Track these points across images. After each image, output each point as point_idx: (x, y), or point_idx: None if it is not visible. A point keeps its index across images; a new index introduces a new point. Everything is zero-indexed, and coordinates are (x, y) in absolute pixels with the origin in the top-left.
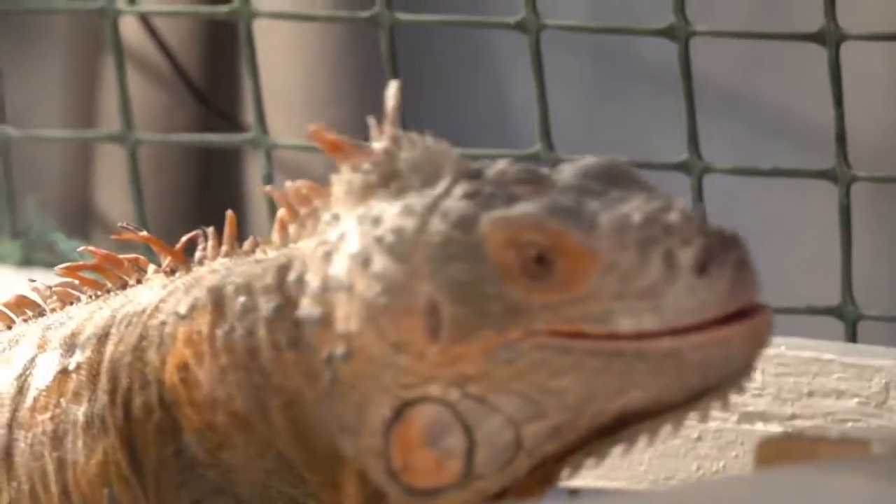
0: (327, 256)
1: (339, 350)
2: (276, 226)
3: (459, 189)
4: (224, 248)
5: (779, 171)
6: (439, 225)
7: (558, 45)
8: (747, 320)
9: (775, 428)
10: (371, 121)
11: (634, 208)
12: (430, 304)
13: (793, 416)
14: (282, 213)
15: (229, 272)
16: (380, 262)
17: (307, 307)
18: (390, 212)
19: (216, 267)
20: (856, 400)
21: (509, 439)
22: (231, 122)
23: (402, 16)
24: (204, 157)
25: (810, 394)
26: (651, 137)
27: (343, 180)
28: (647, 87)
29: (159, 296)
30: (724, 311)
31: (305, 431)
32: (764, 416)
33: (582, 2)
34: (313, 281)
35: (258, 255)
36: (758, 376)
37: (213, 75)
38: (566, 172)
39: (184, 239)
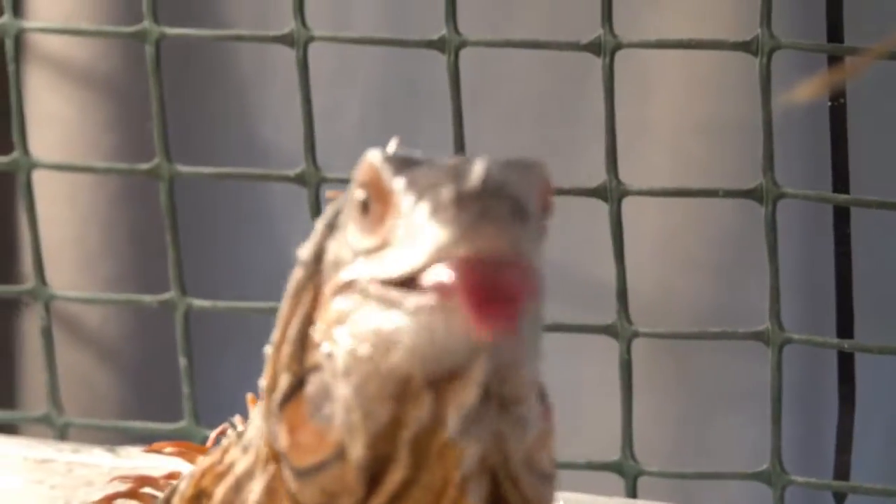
0: None
1: None
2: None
3: None
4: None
5: (560, 327)
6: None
7: None
8: (439, 294)
9: None
10: None
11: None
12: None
13: None
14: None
15: None
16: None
17: None
18: None
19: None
20: None
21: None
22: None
23: (183, 168)
24: None
25: None
26: None
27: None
28: None
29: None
30: (436, 260)
31: None
32: None
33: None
34: None
35: None
36: None
37: None
38: None
39: (213, 435)
